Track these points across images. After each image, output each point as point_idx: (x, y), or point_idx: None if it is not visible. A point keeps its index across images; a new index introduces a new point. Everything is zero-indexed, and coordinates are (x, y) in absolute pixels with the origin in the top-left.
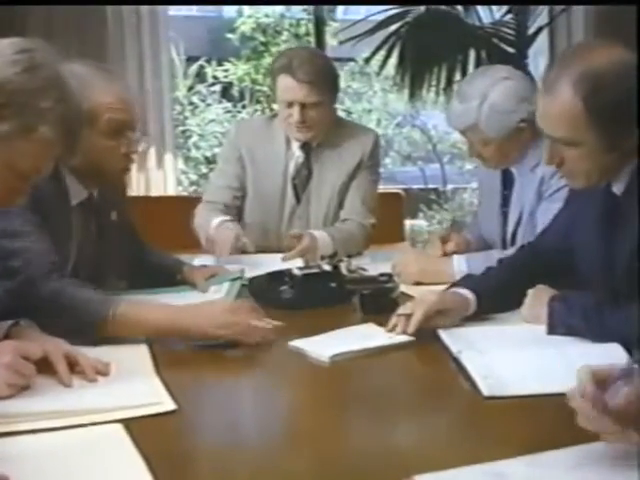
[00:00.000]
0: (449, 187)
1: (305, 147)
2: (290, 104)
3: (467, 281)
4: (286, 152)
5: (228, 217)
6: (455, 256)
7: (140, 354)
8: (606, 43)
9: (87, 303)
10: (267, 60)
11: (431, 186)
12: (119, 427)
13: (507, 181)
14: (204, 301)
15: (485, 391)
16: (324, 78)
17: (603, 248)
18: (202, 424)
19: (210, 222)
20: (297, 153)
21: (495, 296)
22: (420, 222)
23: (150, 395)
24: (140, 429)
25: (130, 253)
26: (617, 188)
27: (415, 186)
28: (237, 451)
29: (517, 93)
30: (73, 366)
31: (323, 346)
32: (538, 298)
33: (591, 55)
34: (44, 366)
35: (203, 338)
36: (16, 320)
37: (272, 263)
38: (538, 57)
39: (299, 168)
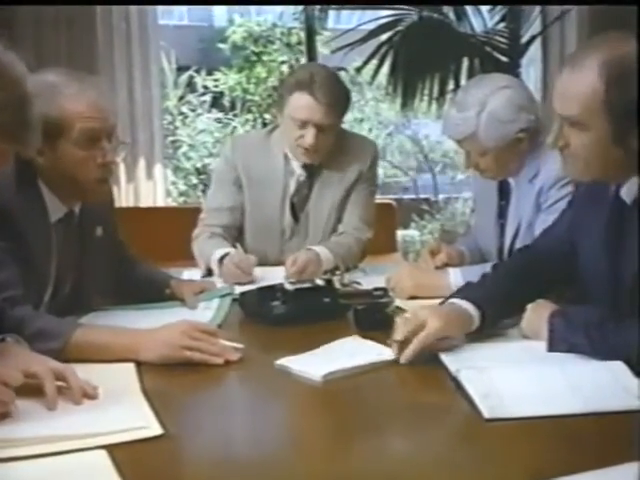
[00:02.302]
0: (441, 197)
1: (307, 166)
2: (304, 124)
3: (467, 292)
4: (284, 169)
5: (227, 245)
6: (450, 269)
7: (126, 373)
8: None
9: (44, 332)
10: (259, 70)
11: (423, 196)
12: (103, 453)
13: (503, 192)
14: (163, 325)
15: (486, 413)
16: (342, 101)
17: (609, 259)
18: (190, 449)
19: (212, 254)
20: (298, 171)
21: (497, 307)
22: (412, 232)
23: (136, 419)
24: (125, 455)
25: (116, 270)
26: (626, 195)
27: (407, 196)
28: (226, 477)
29: (516, 102)
30: (60, 385)
31: (314, 364)
32: (538, 313)
33: (622, 44)
34: (27, 387)
35: (162, 361)
36: (2, 336)
37: (268, 277)
38: (529, 67)
39: (299, 187)
